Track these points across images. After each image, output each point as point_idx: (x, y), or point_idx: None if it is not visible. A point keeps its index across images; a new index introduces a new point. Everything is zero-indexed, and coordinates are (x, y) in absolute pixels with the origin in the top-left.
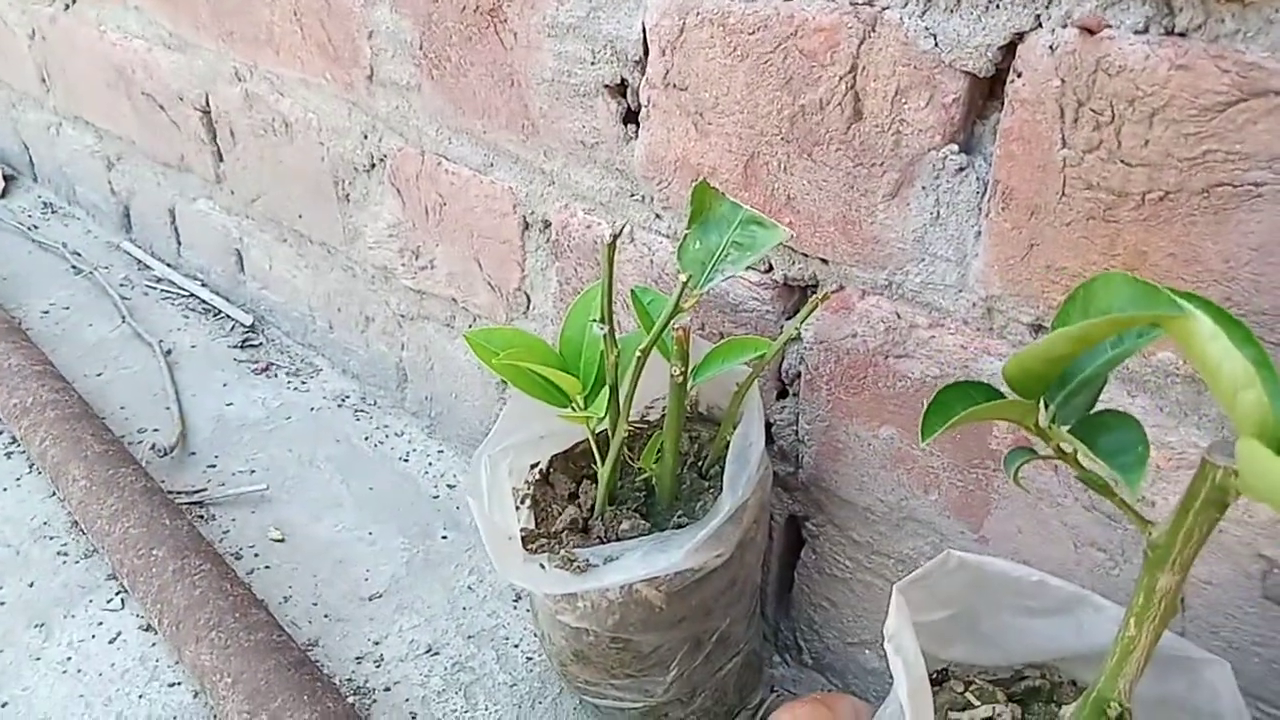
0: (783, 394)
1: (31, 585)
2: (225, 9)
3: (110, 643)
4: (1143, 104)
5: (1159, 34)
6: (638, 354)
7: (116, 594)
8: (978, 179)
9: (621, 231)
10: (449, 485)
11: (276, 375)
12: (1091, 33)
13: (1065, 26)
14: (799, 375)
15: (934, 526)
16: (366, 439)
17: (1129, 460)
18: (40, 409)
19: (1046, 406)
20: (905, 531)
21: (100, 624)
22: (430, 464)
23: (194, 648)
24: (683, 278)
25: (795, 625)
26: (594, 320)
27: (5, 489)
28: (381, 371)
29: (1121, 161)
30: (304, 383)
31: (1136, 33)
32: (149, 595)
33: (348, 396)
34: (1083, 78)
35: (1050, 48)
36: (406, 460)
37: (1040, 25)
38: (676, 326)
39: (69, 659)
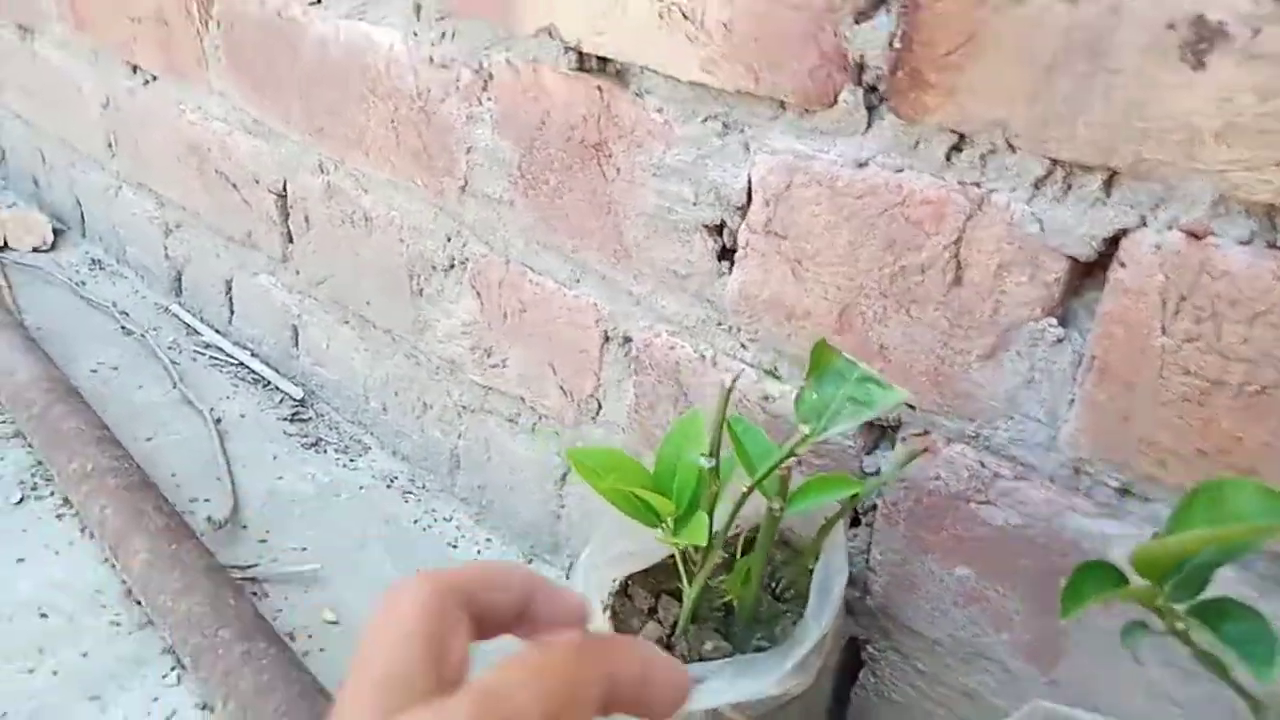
0: (855, 523)
1: (85, 655)
2: (318, 108)
3: None
4: (1244, 306)
5: (1263, 246)
6: (744, 490)
7: (172, 669)
8: (1074, 351)
9: (736, 381)
10: None
11: (326, 451)
12: (1197, 237)
13: (1170, 229)
14: (874, 508)
15: (1003, 665)
16: (415, 522)
17: (1260, 652)
18: (101, 475)
19: (1161, 586)
20: (973, 666)
21: (155, 700)
22: (479, 552)
23: None
24: (804, 429)
25: None
26: (702, 455)
27: (58, 553)
28: (434, 456)
29: (1220, 354)
30: (353, 460)
31: (1241, 243)
32: (213, 677)
33: (396, 477)
34: (1186, 276)
35: (1155, 246)
36: (455, 546)
37: (1145, 225)
38: (782, 466)
39: None
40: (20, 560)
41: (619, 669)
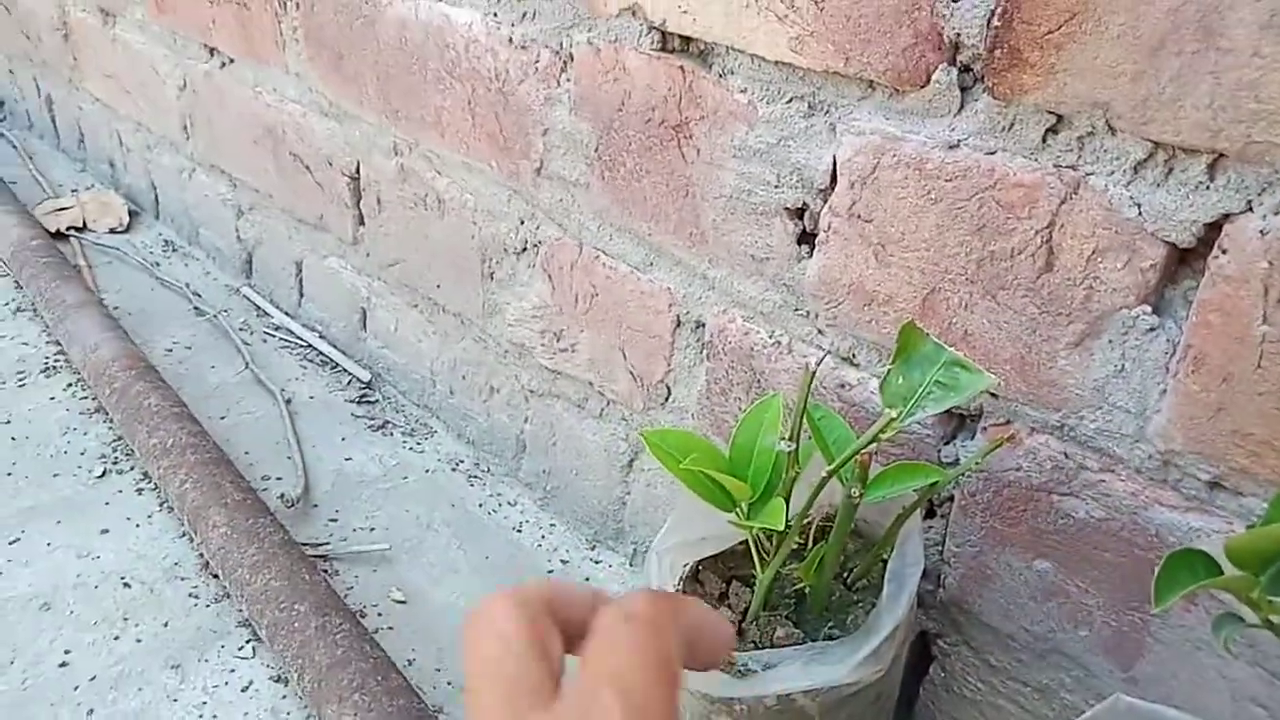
0: (930, 514)
1: (166, 625)
2: (395, 89)
3: (243, 691)
4: None
5: None
6: (824, 474)
7: (248, 642)
8: (1168, 340)
9: (821, 363)
10: (562, 560)
11: (392, 434)
12: None
13: (1277, 214)
14: (951, 499)
15: (1080, 661)
16: (480, 505)
17: None
18: (180, 451)
19: (1258, 577)
20: (1048, 663)
21: (233, 671)
22: (543, 537)
23: (336, 707)
24: (891, 413)
25: None
26: (782, 437)
27: (138, 525)
28: (500, 440)
29: None
30: (419, 443)
31: None
32: (289, 649)
33: (462, 461)
34: None
35: (1260, 231)
36: (519, 531)
37: (1251, 210)
38: (863, 452)
39: (204, 704)
40: (104, 532)
41: (691, 625)
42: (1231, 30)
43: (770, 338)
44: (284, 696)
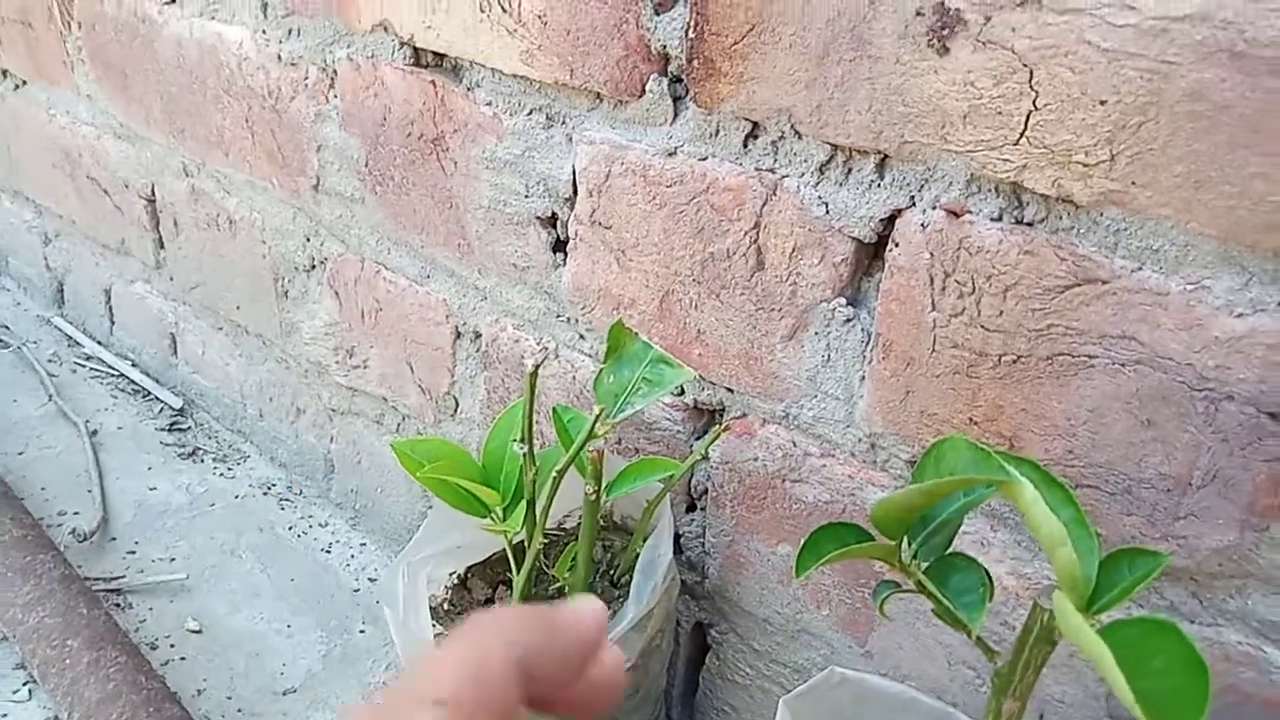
0: (691, 508)
1: None
2: (179, 109)
3: None
4: (998, 280)
5: (1010, 222)
6: (554, 473)
7: (24, 684)
8: (863, 330)
9: (543, 362)
10: (370, 579)
11: (203, 460)
12: (956, 215)
13: (935, 208)
14: (706, 492)
15: (825, 639)
16: (290, 528)
17: (972, 600)
18: None
19: (909, 544)
20: (800, 643)
21: (5, 716)
22: (353, 556)
23: None
24: (597, 409)
25: None
26: (514, 440)
27: None
28: (309, 462)
29: (981, 327)
30: (230, 469)
31: (992, 219)
32: (60, 688)
33: (274, 485)
34: (948, 253)
35: (922, 225)
36: (329, 551)
37: (914, 204)
38: (592, 449)
39: None
40: None
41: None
42: (878, 39)
43: (538, 344)
44: None
